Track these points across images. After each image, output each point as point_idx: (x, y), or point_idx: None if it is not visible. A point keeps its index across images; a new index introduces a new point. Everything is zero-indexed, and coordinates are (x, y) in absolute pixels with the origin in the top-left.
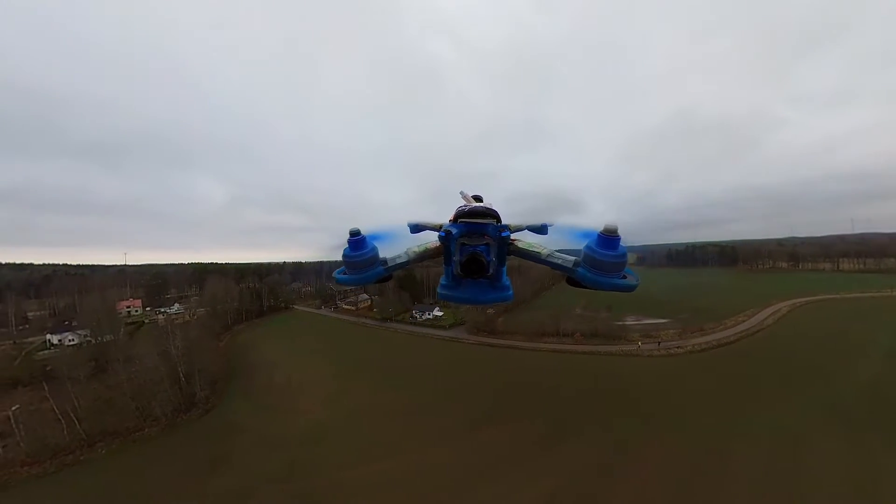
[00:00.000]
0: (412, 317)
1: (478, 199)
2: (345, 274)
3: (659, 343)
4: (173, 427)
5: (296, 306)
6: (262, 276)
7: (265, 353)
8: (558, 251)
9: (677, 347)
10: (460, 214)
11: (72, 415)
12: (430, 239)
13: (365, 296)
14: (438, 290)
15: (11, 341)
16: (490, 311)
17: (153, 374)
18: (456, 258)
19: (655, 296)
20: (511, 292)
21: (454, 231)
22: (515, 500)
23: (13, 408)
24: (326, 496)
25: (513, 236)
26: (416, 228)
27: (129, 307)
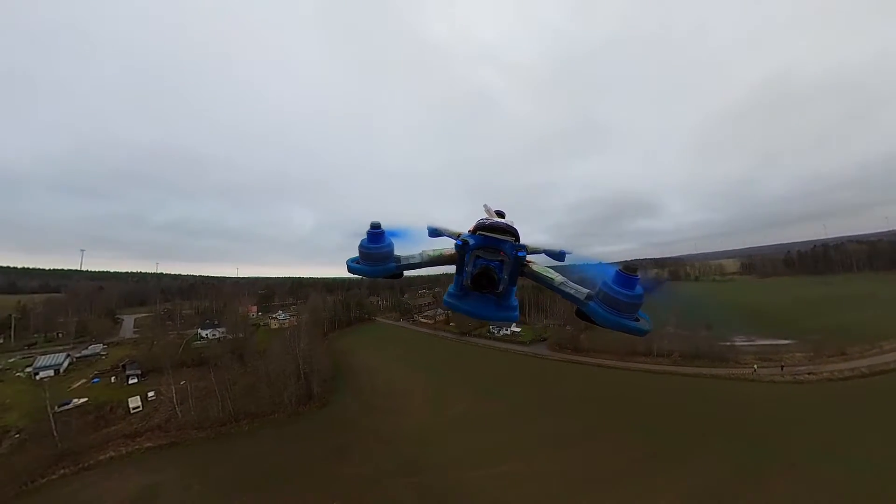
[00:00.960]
0: (489, 332)
1: (500, 214)
2: (358, 264)
3: (782, 367)
4: (297, 415)
5: (377, 318)
6: (345, 290)
7: (361, 358)
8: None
9: (808, 374)
10: (480, 227)
11: (225, 394)
12: (447, 246)
13: (440, 310)
14: (445, 297)
15: (177, 332)
16: (568, 327)
17: (281, 368)
18: (468, 269)
19: (771, 311)
20: (517, 313)
21: (471, 242)
22: None
23: (181, 382)
24: (453, 492)
25: (528, 258)
26: (435, 233)
27: (249, 312)
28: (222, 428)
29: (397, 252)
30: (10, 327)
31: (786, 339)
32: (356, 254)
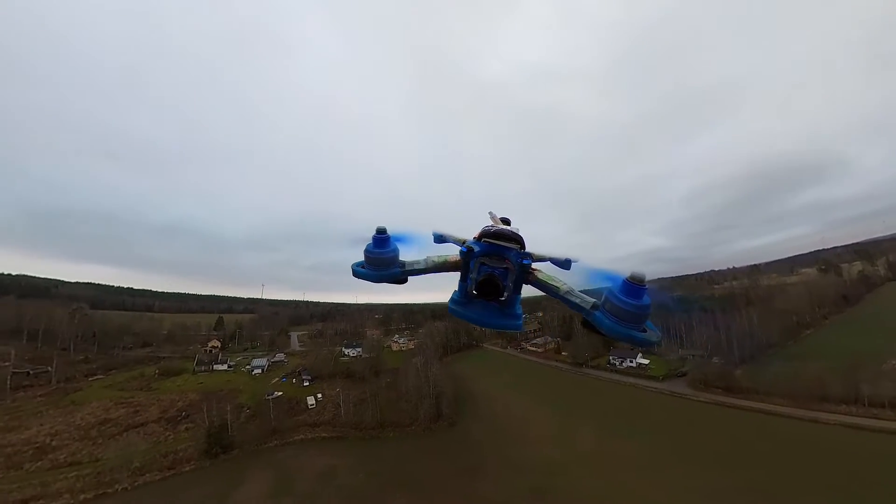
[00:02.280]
0: (610, 363)
1: (506, 221)
2: (363, 268)
3: None
4: (430, 430)
5: (484, 345)
6: (451, 316)
7: (477, 384)
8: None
9: None
10: (485, 234)
11: (374, 403)
12: (452, 252)
13: (548, 337)
14: (449, 303)
15: (327, 349)
16: (715, 359)
17: (416, 387)
18: (473, 276)
19: None
20: (521, 322)
21: (476, 249)
22: None
23: (335, 389)
24: None
25: (534, 266)
26: (440, 239)
27: (374, 334)
28: (373, 431)
29: (402, 258)
30: (234, 337)
31: None
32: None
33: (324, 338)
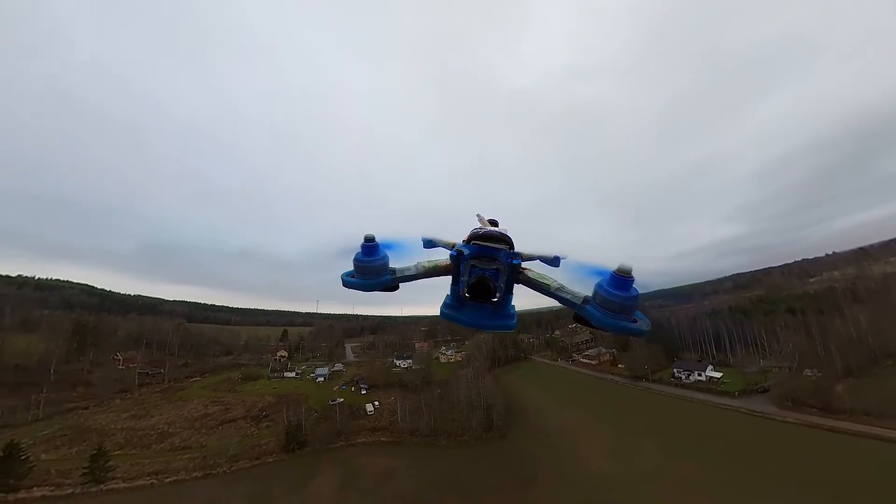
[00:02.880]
0: (674, 376)
1: (493, 223)
2: (353, 278)
3: None
4: (481, 441)
5: (532, 357)
6: None
7: (528, 397)
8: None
9: None
10: (474, 237)
11: (428, 412)
12: (442, 256)
13: (602, 348)
14: (441, 307)
15: (380, 360)
16: (807, 372)
17: (467, 398)
18: (464, 279)
19: None
20: (514, 322)
21: (466, 252)
22: None
23: (390, 399)
24: None
25: (524, 265)
26: (430, 244)
27: (422, 347)
28: (427, 438)
29: (392, 265)
30: (298, 348)
31: None
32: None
33: (375, 349)
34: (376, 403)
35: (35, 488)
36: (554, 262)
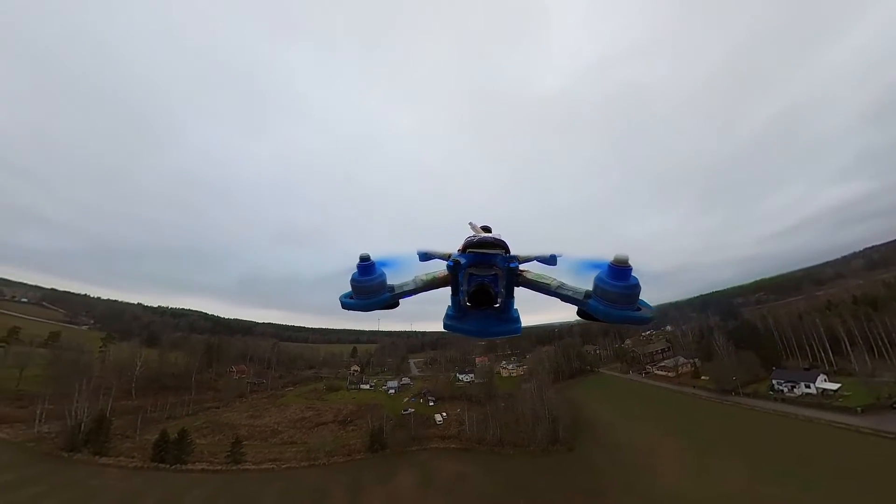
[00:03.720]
0: (774, 389)
1: (486, 229)
2: (351, 299)
3: None
4: (547, 452)
5: (600, 370)
6: (557, 339)
7: (596, 410)
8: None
9: None
10: (469, 245)
11: (494, 422)
12: (440, 268)
13: (681, 358)
14: (444, 320)
15: (443, 374)
16: None
17: (531, 410)
18: (464, 288)
19: None
20: (520, 325)
21: (463, 261)
22: None
23: (457, 410)
24: None
25: (521, 267)
26: (425, 257)
27: (481, 361)
28: (494, 447)
29: (390, 282)
30: (369, 363)
31: None
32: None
33: (438, 364)
34: (444, 414)
35: (197, 462)
36: (550, 260)
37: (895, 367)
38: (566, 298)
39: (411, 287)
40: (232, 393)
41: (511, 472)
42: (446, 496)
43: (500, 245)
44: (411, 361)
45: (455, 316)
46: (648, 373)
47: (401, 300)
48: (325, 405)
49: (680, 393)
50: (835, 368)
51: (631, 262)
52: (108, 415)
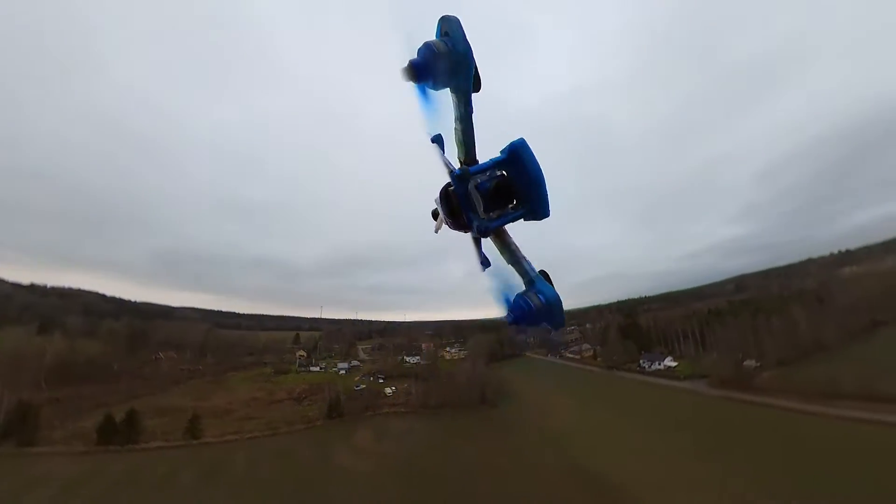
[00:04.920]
0: (640, 366)
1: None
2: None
3: None
4: (477, 410)
5: (527, 354)
6: (496, 330)
7: (518, 382)
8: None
9: None
10: (449, 183)
11: (435, 392)
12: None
13: (588, 345)
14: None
15: (391, 357)
16: (748, 362)
17: (466, 382)
18: (479, 206)
19: None
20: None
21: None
22: None
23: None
24: (583, 458)
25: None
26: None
27: (428, 347)
28: (436, 410)
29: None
30: (315, 348)
31: None
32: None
33: (386, 350)
34: (393, 388)
35: (152, 442)
36: (438, 140)
37: (714, 353)
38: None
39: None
40: (165, 380)
41: (448, 424)
42: (398, 443)
43: (452, 177)
44: (360, 347)
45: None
46: (562, 356)
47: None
48: (276, 386)
49: (581, 369)
50: (679, 354)
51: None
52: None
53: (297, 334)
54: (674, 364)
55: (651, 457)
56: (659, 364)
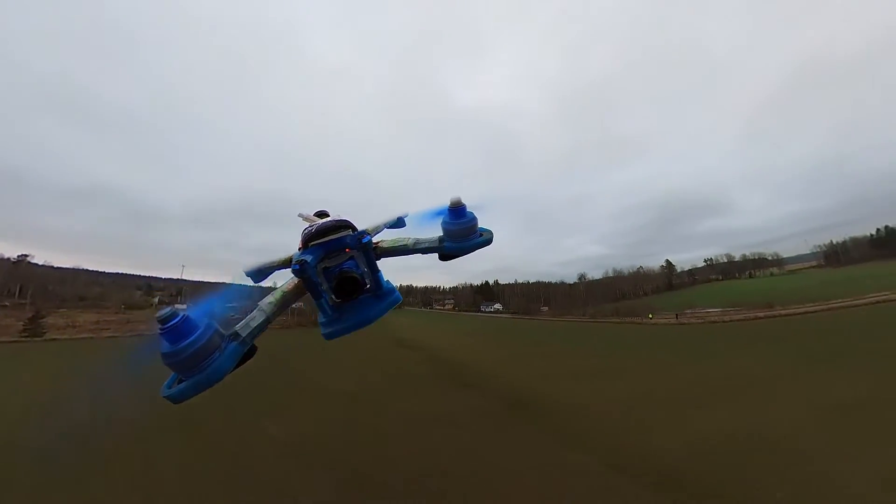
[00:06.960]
0: (480, 308)
1: (322, 214)
2: (180, 382)
3: (676, 316)
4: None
5: (406, 308)
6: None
7: (396, 324)
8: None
9: (700, 322)
10: (309, 237)
11: None
12: (286, 279)
13: (452, 300)
14: (322, 330)
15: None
16: (545, 308)
17: None
18: (324, 287)
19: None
20: (397, 293)
21: (310, 259)
22: None
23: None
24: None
25: (374, 239)
26: (259, 275)
27: None
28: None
29: (228, 328)
30: (179, 293)
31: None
32: None
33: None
34: None
35: None
36: (399, 223)
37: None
38: (426, 251)
39: (262, 318)
40: None
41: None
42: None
43: (345, 224)
44: None
45: (331, 319)
46: (432, 308)
47: (255, 342)
48: (138, 315)
49: (442, 314)
50: (505, 303)
51: (464, 201)
52: None
53: (150, 284)
54: (499, 307)
55: (459, 340)
56: (491, 308)
